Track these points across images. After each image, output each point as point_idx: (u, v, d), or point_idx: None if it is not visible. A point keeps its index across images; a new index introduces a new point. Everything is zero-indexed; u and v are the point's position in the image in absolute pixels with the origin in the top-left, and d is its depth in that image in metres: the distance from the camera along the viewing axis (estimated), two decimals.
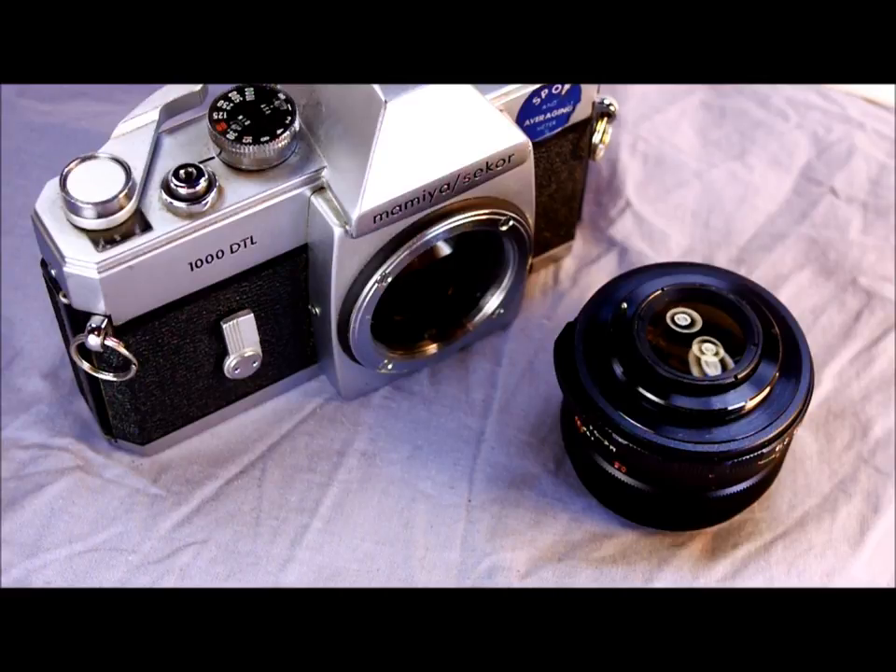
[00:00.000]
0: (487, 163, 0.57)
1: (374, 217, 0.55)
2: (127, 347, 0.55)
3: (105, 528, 0.61)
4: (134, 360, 0.56)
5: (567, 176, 0.65)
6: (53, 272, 0.55)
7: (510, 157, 0.57)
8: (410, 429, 0.65)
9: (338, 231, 0.55)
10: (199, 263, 0.55)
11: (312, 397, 0.66)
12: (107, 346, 0.55)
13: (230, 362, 0.60)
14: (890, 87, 0.79)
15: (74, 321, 0.56)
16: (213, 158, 0.55)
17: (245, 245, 0.56)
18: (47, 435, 0.63)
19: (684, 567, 0.60)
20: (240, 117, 0.55)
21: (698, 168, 0.75)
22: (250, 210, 0.55)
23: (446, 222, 0.57)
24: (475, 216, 0.58)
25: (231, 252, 0.56)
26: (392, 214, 0.55)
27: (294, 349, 0.63)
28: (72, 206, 0.53)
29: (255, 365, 0.61)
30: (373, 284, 0.58)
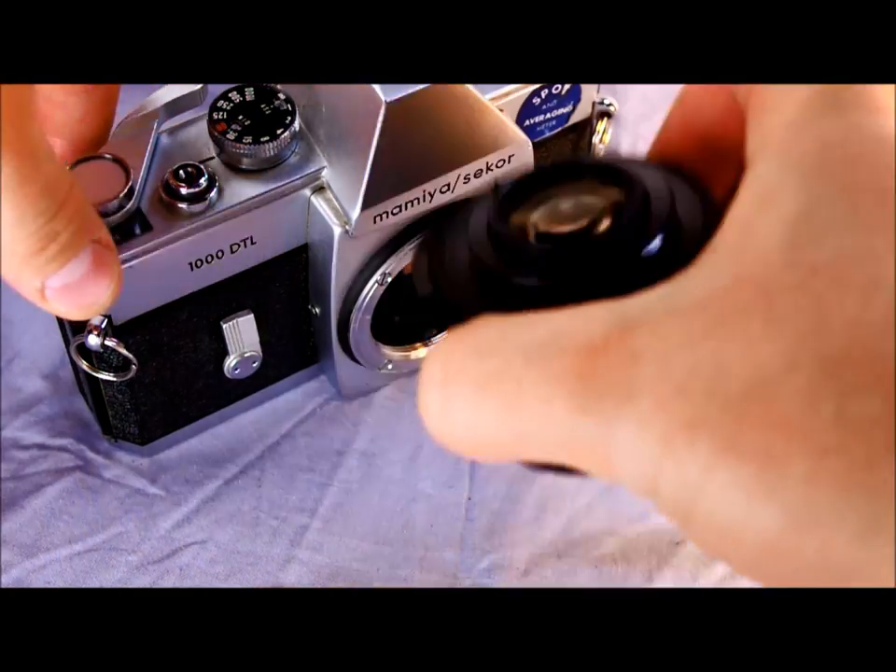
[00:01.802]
0: (487, 163, 0.57)
1: (374, 217, 0.55)
2: (127, 347, 0.55)
3: (104, 528, 0.61)
4: (134, 360, 0.56)
5: None
6: None
7: (510, 157, 0.57)
8: (410, 429, 0.65)
9: (338, 231, 0.55)
10: (199, 263, 0.55)
11: (312, 397, 0.66)
12: (107, 346, 0.55)
13: (230, 362, 0.60)
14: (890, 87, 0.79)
15: (74, 321, 0.56)
16: (213, 158, 0.55)
17: (245, 245, 0.56)
18: (47, 435, 0.63)
19: (684, 567, 0.60)
20: (240, 117, 0.55)
21: None
22: (250, 210, 0.55)
23: None
24: None
25: (231, 252, 0.56)
26: (392, 214, 0.55)
27: (294, 349, 0.63)
28: None
29: (255, 365, 0.61)
30: (373, 284, 0.58)
